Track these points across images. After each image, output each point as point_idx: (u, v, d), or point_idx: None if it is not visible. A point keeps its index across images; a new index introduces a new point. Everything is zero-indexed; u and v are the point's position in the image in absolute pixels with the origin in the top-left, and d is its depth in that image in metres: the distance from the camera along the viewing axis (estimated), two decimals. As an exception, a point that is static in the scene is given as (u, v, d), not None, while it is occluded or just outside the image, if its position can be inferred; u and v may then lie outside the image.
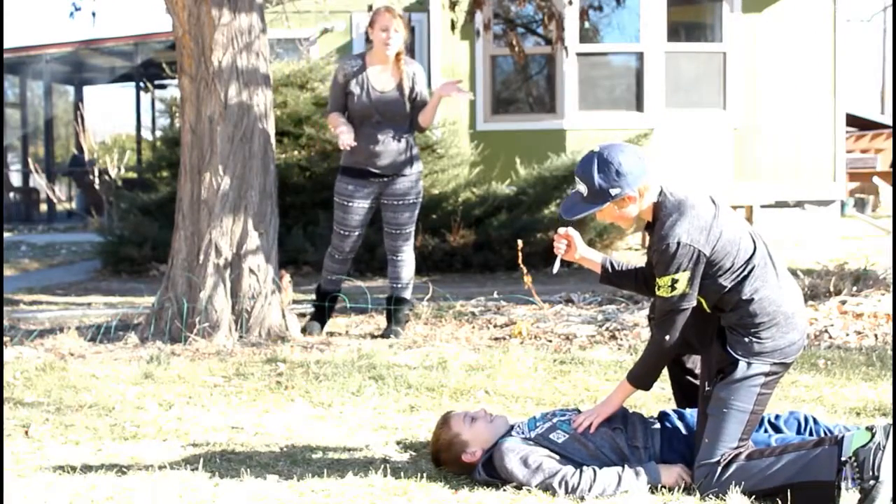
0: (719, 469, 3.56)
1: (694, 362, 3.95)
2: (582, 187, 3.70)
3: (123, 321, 7.10)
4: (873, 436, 3.39)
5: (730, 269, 3.61)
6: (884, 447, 3.35)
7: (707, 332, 3.72)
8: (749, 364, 3.58)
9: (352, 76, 6.51)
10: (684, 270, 3.57)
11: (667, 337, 3.67)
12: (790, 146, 13.07)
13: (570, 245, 4.00)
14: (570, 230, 4.01)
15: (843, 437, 3.46)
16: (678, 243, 3.56)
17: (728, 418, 3.58)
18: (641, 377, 3.79)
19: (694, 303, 3.64)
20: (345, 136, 6.39)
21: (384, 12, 6.47)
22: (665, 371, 3.98)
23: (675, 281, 3.58)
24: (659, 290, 3.64)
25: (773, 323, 3.60)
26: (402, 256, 6.71)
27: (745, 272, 3.61)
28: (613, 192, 3.64)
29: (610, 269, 4.03)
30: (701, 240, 3.57)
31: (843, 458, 3.40)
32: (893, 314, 6.49)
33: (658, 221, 3.66)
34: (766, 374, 3.59)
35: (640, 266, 4.00)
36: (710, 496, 3.55)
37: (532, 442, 3.77)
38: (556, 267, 4.09)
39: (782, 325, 3.61)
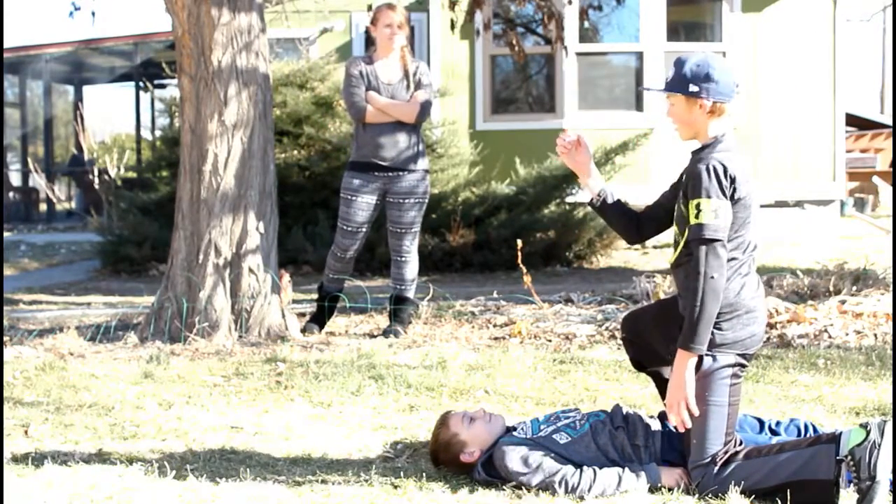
0: (716, 468, 3.56)
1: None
2: (670, 72, 3.69)
3: (123, 321, 7.10)
4: (868, 433, 3.38)
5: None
6: (879, 445, 3.34)
7: (672, 335, 3.66)
8: (714, 357, 3.57)
9: (361, 68, 6.56)
10: (715, 197, 3.50)
11: (712, 274, 3.48)
12: (790, 146, 13.06)
13: (579, 143, 3.93)
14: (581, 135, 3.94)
15: (839, 435, 3.46)
16: (724, 167, 3.52)
17: (708, 415, 3.57)
18: (702, 337, 3.50)
19: (725, 238, 3.51)
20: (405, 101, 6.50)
21: (386, 9, 6.57)
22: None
23: (701, 206, 3.49)
24: (687, 215, 3.55)
25: (734, 315, 3.59)
26: (407, 257, 6.70)
27: (729, 256, 3.58)
28: (692, 87, 3.62)
29: (604, 196, 3.91)
30: (741, 179, 3.53)
31: (839, 457, 3.40)
32: (893, 314, 6.49)
33: (708, 148, 3.62)
34: (733, 366, 3.59)
35: (643, 208, 3.91)
36: (710, 496, 3.55)
37: (533, 442, 3.77)
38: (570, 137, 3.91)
39: (742, 318, 3.60)
